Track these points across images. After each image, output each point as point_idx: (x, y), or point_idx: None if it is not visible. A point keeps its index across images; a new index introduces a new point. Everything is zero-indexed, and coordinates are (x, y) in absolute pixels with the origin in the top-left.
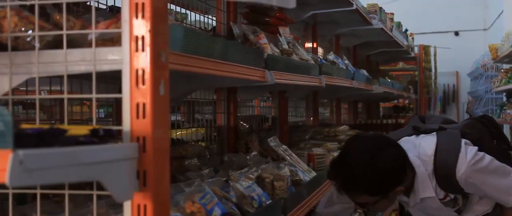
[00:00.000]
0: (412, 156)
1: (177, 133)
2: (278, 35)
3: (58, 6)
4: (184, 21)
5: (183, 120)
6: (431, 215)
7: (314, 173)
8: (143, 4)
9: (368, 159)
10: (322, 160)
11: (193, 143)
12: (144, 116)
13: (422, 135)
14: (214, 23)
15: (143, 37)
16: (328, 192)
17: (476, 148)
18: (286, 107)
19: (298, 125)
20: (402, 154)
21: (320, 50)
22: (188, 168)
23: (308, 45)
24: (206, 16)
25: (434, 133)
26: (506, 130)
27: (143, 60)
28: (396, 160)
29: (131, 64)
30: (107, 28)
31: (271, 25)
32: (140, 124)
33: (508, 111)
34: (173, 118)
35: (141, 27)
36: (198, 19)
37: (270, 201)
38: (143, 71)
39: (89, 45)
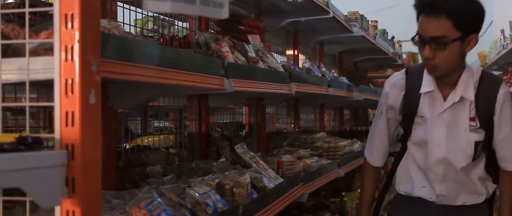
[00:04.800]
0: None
1: (146, 141)
2: (244, 43)
3: (4, 16)
4: (171, 28)
5: (172, 126)
6: (450, 140)
7: (281, 180)
8: (72, 14)
9: None
10: (291, 167)
11: (163, 149)
12: (72, 124)
13: None
14: None
15: (72, 47)
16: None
17: None
18: (263, 113)
19: (279, 132)
20: None
21: (302, 57)
22: (151, 175)
23: (290, 52)
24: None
25: None
26: None
27: (72, 70)
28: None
29: (61, 73)
30: (48, 37)
31: (244, 32)
32: (69, 132)
33: None
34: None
35: (71, 37)
36: (181, 26)
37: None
38: (72, 80)
39: (32, 54)
